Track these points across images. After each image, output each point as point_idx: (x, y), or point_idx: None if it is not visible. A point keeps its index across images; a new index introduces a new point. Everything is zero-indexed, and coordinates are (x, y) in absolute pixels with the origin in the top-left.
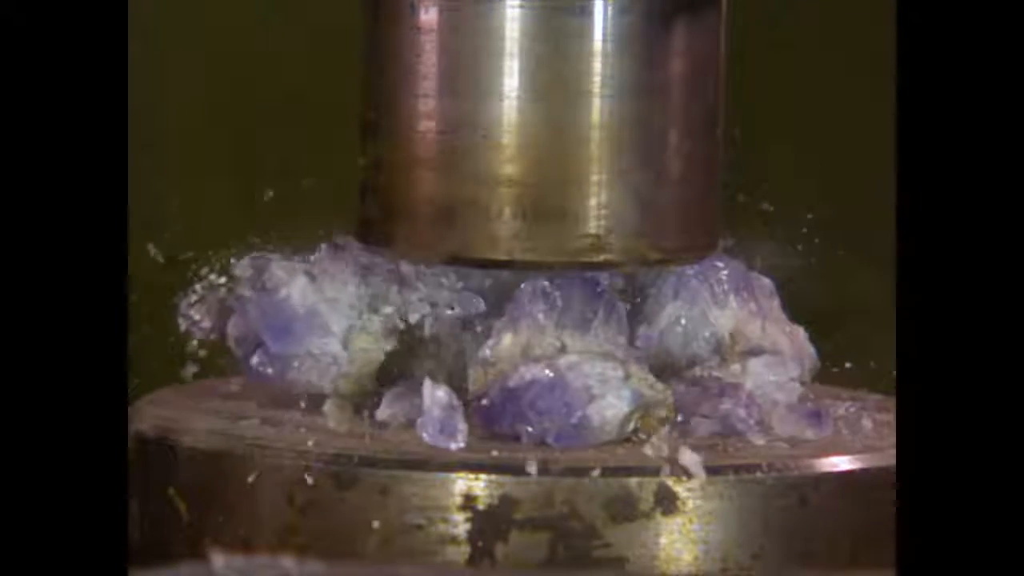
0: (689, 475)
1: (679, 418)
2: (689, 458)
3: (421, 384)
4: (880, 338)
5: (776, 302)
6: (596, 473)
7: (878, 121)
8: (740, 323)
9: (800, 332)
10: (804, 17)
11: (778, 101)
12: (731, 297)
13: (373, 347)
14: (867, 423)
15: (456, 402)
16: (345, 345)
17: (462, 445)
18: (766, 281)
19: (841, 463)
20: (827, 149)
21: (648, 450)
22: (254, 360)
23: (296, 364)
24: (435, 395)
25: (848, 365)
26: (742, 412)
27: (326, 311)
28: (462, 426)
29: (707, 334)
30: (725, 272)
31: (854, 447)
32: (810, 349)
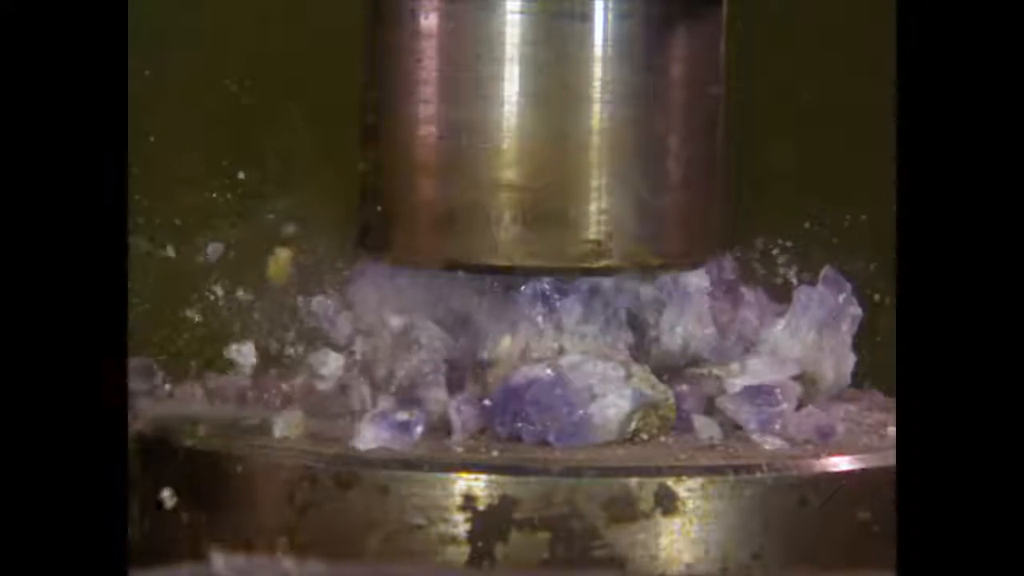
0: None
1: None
2: None
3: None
4: (880, 338)
5: (853, 331)
6: (595, 473)
7: (878, 121)
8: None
9: (850, 362)
10: (804, 17)
11: (778, 101)
12: (812, 333)
13: None
14: (868, 423)
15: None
16: None
17: (417, 434)
18: (856, 311)
19: (841, 463)
20: (827, 149)
21: None
22: None
23: None
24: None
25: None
26: (753, 423)
27: None
28: (407, 417)
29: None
30: (818, 304)
31: (854, 447)
32: (846, 382)
